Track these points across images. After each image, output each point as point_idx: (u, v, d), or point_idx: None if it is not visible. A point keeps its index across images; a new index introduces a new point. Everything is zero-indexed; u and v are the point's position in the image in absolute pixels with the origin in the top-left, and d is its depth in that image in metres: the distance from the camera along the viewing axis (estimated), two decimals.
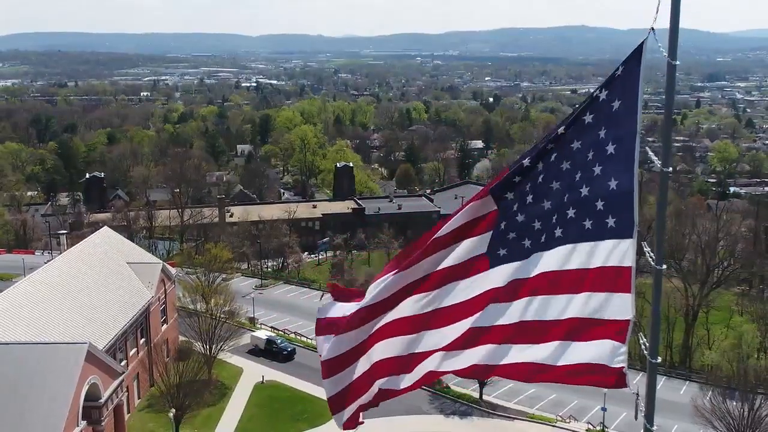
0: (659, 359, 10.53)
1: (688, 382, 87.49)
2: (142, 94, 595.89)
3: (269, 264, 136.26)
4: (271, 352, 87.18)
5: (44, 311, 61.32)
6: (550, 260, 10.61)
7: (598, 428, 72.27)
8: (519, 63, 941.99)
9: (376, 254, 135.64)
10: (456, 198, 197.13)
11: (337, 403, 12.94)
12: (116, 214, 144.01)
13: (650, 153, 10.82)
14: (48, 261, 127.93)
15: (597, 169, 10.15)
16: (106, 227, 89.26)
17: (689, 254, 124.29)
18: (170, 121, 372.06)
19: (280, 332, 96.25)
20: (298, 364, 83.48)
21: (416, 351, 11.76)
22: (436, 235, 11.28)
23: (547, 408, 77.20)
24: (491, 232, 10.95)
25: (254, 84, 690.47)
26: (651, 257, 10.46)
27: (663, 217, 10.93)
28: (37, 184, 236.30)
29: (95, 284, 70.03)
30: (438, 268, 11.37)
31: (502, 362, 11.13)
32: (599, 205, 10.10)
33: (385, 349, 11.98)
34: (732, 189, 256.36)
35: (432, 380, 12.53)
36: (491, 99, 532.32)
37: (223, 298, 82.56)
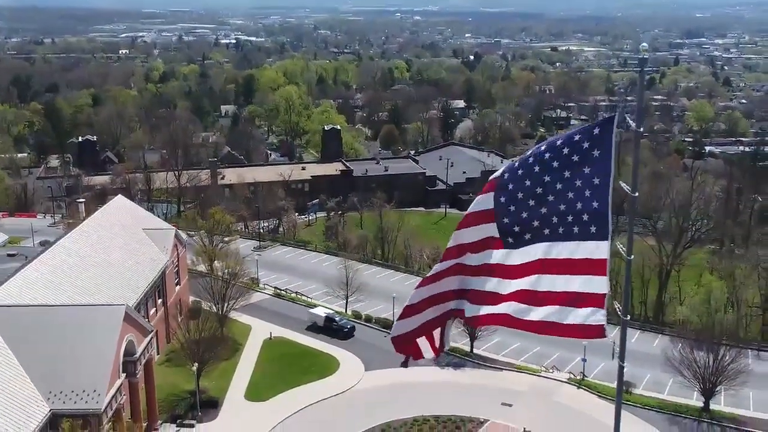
0: (629, 317, 16.68)
1: (660, 335, 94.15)
2: (120, 51, 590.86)
3: (262, 225, 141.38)
4: (331, 330, 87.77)
5: (77, 275, 67.03)
6: (549, 250, 16.59)
7: (578, 377, 79.27)
8: (499, 19, 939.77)
9: (368, 216, 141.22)
10: (440, 159, 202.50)
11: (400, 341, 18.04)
12: (115, 177, 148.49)
13: (623, 184, 16.78)
14: (51, 225, 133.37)
15: (585, 193, 16.08)
16: (119, 196, 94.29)
17: (664, 214, 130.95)
18: (152, 81, 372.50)
19: (288, 292, 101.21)
20: (357, 341, 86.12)
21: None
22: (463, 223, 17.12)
23: (532, 360, 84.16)
24: (496, 223, 16.85)
25: (233, 41, 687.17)
26: (623, 250, 16.57)
27: (631, 232, 16.92)
28: (26, 146, 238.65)
29: (117, 250, 75.65)
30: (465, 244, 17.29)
31: (519, 317, 17.09)
32: (584, 215, 16.10)
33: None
34: (708, 148, 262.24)
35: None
36: (472, 57, 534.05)
37: (234, 261, 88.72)
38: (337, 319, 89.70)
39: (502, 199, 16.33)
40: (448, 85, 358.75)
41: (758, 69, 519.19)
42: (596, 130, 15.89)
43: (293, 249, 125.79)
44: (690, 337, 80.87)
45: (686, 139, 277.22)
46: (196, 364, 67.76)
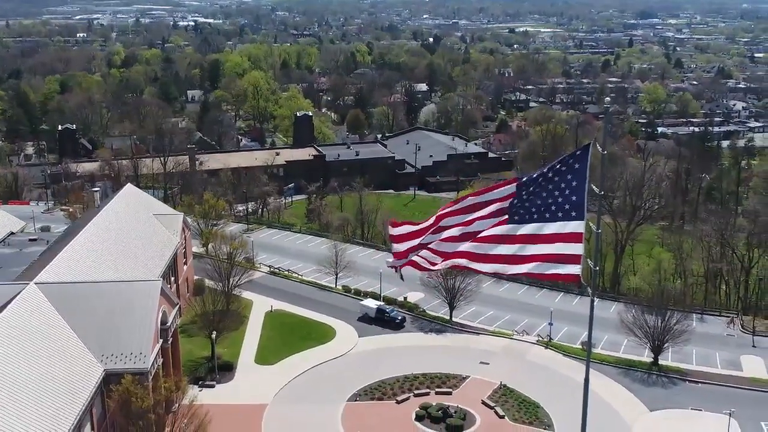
0: (597, 267, 26.62)
1: (616, 303, 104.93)
2: (78, 35, 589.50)
3: (244, 209, 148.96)
4: (383, 321, 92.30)
5: (105, 257, 75.55)
6: (543, 227, 26.43)
7: (545, 339, 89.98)
8: None
9: (349, 199, 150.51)
10: (408, 143, 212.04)
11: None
12: (104, 164, 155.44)
13: (593, 186, 26.66)
14: (44, 211, 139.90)
15: (567, 191, 25.88)
16: (129, 184, 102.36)
17: (619, 194, 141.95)
18: (114, 66, 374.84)
19: (281, 270, 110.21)
20: (349, 312, 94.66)
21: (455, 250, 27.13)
22: (478, 199, 26.78)
23: (504, 326, 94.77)
24: (509, 203, 26.66)
25: (192, 23, 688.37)
26: (592, 226, 26.52)
27: (599, 216, 26.79)
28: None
29: (135, 233, 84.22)
30: (477, 216, 27.10)
31: (528, 272, 26.86)
32: (566, 205, 25.89)
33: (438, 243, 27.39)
34: (660, 129, 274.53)
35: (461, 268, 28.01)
36: (431, 39, 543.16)
37: (238, 242, 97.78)
38: (388, 310, 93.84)
39: (524, 194, 26.18)
40: (410, 68, 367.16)
41: (709, 50, 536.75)
42: (578, 152, 25.79)
43: (279, 231, 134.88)
44: (642, 303, 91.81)
45: (640, 120, 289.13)
46: (214, 332, 76.92)
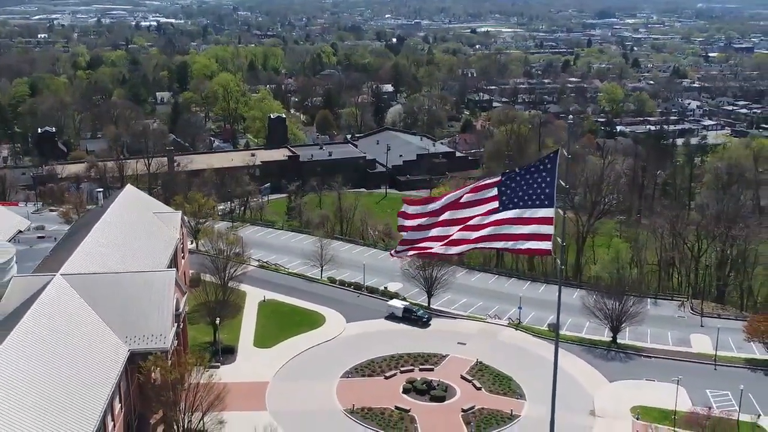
0: (565, 243, 35.18)
1: (578, 290, 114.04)
2: (39, 36, 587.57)
3: (224, 207, 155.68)
4: (410, 320, 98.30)
5: (117, 251, 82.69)
6: (522, 212, 35.03)
7: (515, 322, 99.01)
8: None
9: (326, 198, 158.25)
10: (378, 144, 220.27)
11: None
12: (90, 166, 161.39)
13: (561, 182, 35.23)
14: (34, 212, 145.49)
15: (542, 185, 34.50)
16: (129, 185, 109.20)
17: (580, 190, 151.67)
18: (80, 67, 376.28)
19: (269, 264, 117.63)
20: (336, 300, 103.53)
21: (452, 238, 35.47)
22: (471, 197, 35.19)
23: (478, 311, 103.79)
24: (497, 202, 35.13)
25: (154, 23, 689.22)
26: (561, 212, 35.14)
27: (565, 207, 35.34)
28: None
29: (140, 230, 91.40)
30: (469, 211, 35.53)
31: (508, 247, 35.41)
32: (542, 196, 34.52)
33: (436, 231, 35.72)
34: (618, 128, 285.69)
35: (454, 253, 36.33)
36: (395, 39, 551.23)
37: (234, 238, 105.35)
38: (414, 310, 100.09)
39: (508, 187, 34.66)
40: (376, 69, 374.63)
41: (665, 49, 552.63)
42: (551, 155, 34.33)
43: (261, 228, 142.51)
44: (602, 289, 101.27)
45: (599, 119, 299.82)
46: (218, 318, 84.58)
